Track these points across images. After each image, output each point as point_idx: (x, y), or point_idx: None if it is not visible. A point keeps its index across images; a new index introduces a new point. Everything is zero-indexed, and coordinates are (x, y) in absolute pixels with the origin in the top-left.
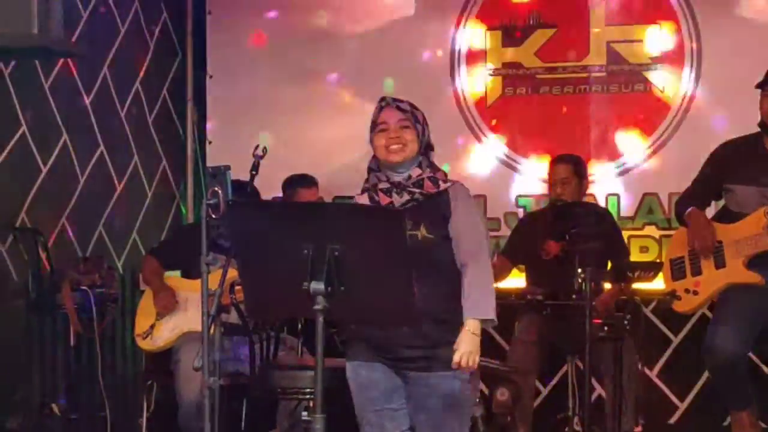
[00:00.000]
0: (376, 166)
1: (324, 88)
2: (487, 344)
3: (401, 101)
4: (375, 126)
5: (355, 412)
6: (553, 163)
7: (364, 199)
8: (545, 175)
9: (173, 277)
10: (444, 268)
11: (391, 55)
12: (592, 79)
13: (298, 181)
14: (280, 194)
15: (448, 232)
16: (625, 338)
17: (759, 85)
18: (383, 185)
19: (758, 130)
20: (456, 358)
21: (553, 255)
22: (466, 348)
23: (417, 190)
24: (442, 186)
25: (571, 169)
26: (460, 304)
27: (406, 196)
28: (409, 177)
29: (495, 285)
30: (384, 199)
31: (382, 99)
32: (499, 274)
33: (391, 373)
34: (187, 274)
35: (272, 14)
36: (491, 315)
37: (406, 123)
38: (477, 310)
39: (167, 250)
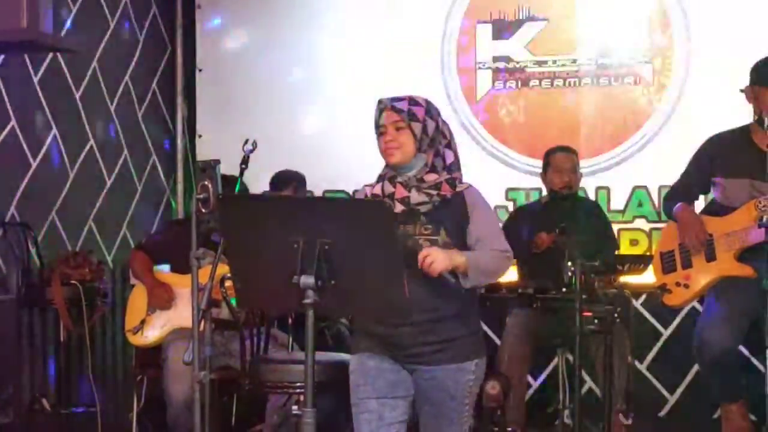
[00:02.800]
0: None
1: (313, 83)
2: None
3: (399, 100)
4: (377, 127)
5: (350, 401)
6: (558, 152)
7: (377, 189)
8: (535, 169)
9: (162, 272)
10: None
11: (380, 48)
12: (582, 72)
13: (286, 181)
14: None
15: (463, 236)
16: (616, 331)
17: (761, 81)
18: (402, 178)
19: (746, 123)
20: (423, 252)
21: (544, 247)
22: (438, 254)
23: (434, 192)
24: (459, 188)
25: (574, 158)
26: (469, 302)
27: (423, 197)
28: (421, 180)
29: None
30: (400, 192)
31: (380, 101)
32: None
33: (396, 365)
34: (177, 269)
35: (262, 8)
36: (472, 278)
37: (400, 124)
38: (474, 261)
39: (156, 244)
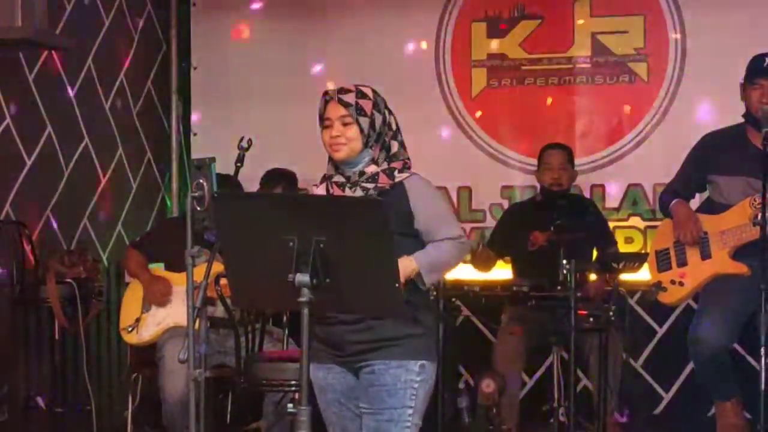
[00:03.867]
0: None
1: (308, 81)
2: (473, 336)
3: (346, 92)
4: (321, 120)
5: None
6: (548, 149)
7: (321, 190)
8: (530, 166)
9: (156, 269)
10: None
11: (376, 47)
12: (577, 70)
13: (276, 180)
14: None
15: (407, 230)
16: (611, 329)
17: (748, 78)
18: (338, 178)
19: (741, 120)
20: None
21: (539, 245)
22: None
23: (370, 186)
24: (397, 178)
25: (567, 156)
26: (418, 302)
27: (359, 192)
28: (363, 173)
29: (482, 276)
30: (337, 192)
31: (326, 92)
32: (485, 264)
33: (343, 371)
34: (171, 268)
35: (257, 5)
36: (428, 279)
37: (347, 119)
38: (425, 262)
39: (150, 242)
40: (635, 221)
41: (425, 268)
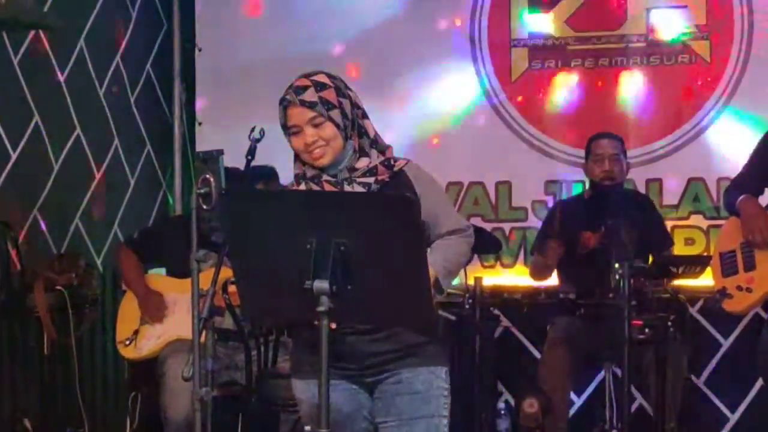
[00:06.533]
0: None
1: (329, 63)
2: (514, 349)
3: (303, 89)
4: (286, 129)
5: None
6: (597, 138)
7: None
8: (578, 159)
9: (157, 275)
10: None
11: (405, 24)
12: (630, 50)
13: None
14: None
15: None
16: (669, 342)
17: None
18: (328, 177)
19: None
20: None
21: (591, 248)
22: None
23: (370, 180)
24: (397, 167)
25: (620, 145)
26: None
27: (358, 188)
28: (354, 168)
29: (523, 281)
30: (331, 190)
31: (282, 99)
32: (542, 273)
33: (354, 389)
34: (173, 273)
35: None
36: (446, 284)
37: (318, 120)
38: (441, 266)
39: (148, 242)
40: (697, 220)
41: (442, 273)
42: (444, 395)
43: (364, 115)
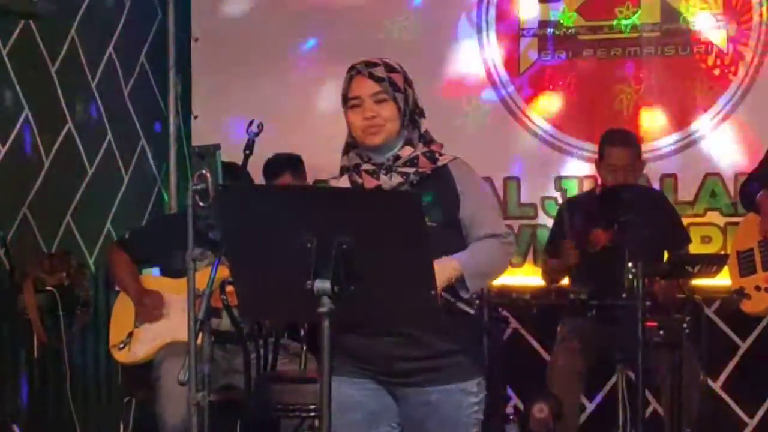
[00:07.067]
0: (355, 143)
1: (330, 52)
2: (523, 352)
3: (375, 64)
4: (346, 100)
5: None
6: (612, 145)
7: (344, 182)
8: (590, 153)
9: (150, 276)
10: None
11: (408, 12)
12: (644, 39)
13: (284, 165)
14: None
15: (453, 219)
16: (685, 344)
17: None
18: (367, 166)
19: None
20: None
21: (601, 246)
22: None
23: (410, 170)
24: (441, 161)
25: (634, 152)
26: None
27: (397, 178)
28: (398, 157)
29: (532, 281)
30: (370, 182)
31: (352, 67)
32: (556, 276)
33: (381, 390)
34: (168, 273)
35: None
36: (472, 285)
37: (382, 96)
38: (471, 265)
39: (142, 242)
40: (713, 217)
41: (470, 271)
42: (474, 411)
43: (422, 114)
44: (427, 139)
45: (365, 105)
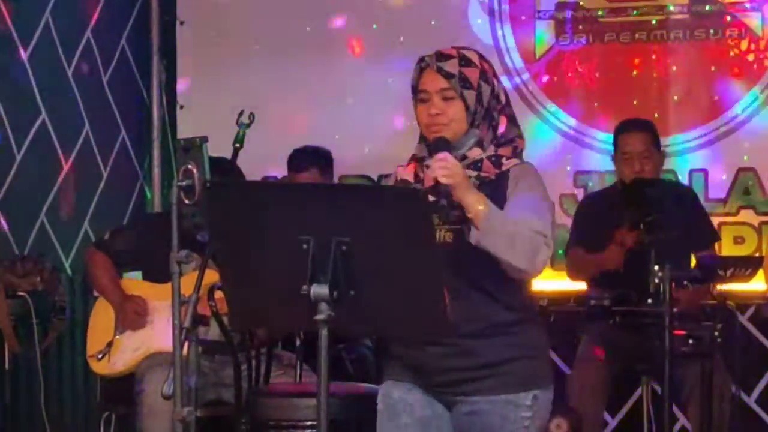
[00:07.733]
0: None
1: (328, 37)
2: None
3: (447, 58)
4: (415, 92)
5: None
6: (624, 131)
7: (409, 171)
8: (612, 147)
9: (132, 280)
10: (499, 270)
11: None
12: (671, 22)
13: (311, 159)
14: (274, 174)
15: None
16: (715, 354)
17: None
18: (430, 161)
19: None
20: (439, 155)
21: (627, 248)
22: (457, 168)
23: (473, 173)
24: (505, 167)
25: (650, 139)
26: (519, 315)
27: None
28: (464, 157)
29: (549, 285)
30: (429, 179)
31: (422, 59)
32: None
33: (431, 398)
34: (151, 277)
35: None
36: (482, 232)
37: (450, 93)
38: (495, 215)
39: (121, 242)
40: (747, 216)
41: (491, 221)
42: (524, 426)
43: (503, 111)
44: (500, 141)
45: (432, 101)
